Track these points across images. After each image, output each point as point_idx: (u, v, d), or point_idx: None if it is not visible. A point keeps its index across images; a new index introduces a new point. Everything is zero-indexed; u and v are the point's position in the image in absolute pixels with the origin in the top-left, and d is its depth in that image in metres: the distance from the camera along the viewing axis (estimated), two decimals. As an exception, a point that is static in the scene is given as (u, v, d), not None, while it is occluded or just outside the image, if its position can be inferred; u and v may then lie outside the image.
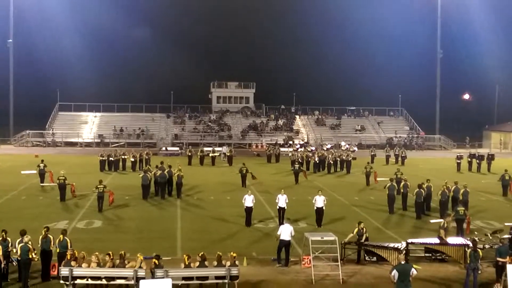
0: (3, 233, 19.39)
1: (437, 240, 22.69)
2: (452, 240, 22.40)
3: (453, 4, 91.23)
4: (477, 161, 54.44)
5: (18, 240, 19.07)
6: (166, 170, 37.65)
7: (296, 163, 46.86)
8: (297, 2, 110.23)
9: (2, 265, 18.70)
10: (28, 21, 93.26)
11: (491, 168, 52.79)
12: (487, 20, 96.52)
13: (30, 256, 18.77)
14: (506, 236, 22.50)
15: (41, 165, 41.66)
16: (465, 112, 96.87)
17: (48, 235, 19.82)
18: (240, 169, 42.48)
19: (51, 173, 40.77)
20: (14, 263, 19.37)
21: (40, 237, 19.76)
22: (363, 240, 22.06)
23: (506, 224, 25.16)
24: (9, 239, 19.39)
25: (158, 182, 36.54)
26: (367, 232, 22.39)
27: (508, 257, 19.22)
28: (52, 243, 19.67)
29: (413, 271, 16.61)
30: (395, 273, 16.49)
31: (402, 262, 16.91)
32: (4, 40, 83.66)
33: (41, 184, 40.45)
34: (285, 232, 21.64)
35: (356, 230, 22.19)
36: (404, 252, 21.06)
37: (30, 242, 18.97)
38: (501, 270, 19.10)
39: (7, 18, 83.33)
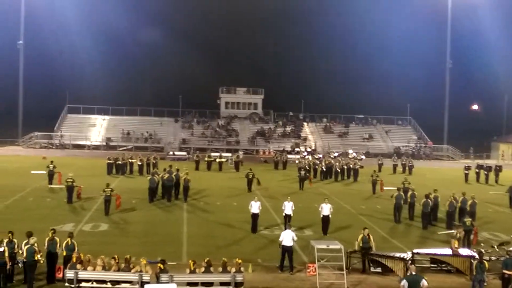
0: (10, 234, 19.43)
1: (443, 251, 22.66)
2: (463, 251, 22.35)
3: (463, 14, 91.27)
4: (485, 172, 54.21)
5: (24, 242, 19.12)
6: (174, 174, 37.97)
7: (302, 169, 46.89)
8: (308, 10, 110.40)
9: (8, 267, 18.73)
10: (39, 22, 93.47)
11: (499, 180, 52.60)
12: (497, 31, 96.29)
13: (36, 258, 18.80)
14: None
15: (51, 166, 42.37)
16: (473, 123, 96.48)
17: (55, 237, 19.86)
18: (247, 174, 43.00)
19: (60, 174, 41.20)
20: (20, 265, 19.40)
21: (47, 239, 19.80)
22: (369, 248, 22.01)
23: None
24: (15, 240, 19.42)
25: (165, 186, 36.86)
26: (373, 239, 22.30)
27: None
28: (58, 245, 19.71)
29: (424, 283, 16.45)
30: (404, 283, 16.39)
31: (413, 273, 16.82)
32: (15, 41, 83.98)
33: (49, 186, 40.65)
34: (287, 237, 21.72)
35: (361, 236, 22.16)
36: (410, 262, 21.02)
37: (36, 244, 19.01)
38: (507, 282, 19.05)
39: (17, 19, 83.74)
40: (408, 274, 17.09)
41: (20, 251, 19.19)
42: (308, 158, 62.06)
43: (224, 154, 62.57)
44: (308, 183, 45.27)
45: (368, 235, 22.16)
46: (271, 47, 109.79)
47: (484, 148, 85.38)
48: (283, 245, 21.65)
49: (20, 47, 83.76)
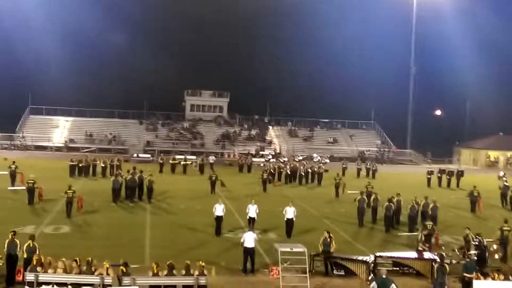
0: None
1: (405, 254, 22.98)
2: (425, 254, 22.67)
3: (427, 20, 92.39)
4: (447, 176, 55.01)
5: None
6: (138, 175, 38.15)
7: (265, 172, 47.43)
8: (274, 15, 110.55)
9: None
10: (1, 22, 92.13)
11: (460, 184, 53.39)
12: (460, 37, 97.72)
13: (-5, 260, 18.53)
14: (473, 251, 22.73)
15: (13, 166, 42.27)
16: (436, 128, 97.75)
17: (15, 239, 19.56)
18: (210, 176, 43.64)
19: (22, 174, 40.68)
20: (-22, 268, 19.09)
21: (6, 241, 19.50)
22: (331, 251, 22.20)
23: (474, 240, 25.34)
24: (-26, 242, 19.14)
25: (128, 187, 37.16)
26: (334, 242, 22.45)
27: (474, 273, 19.46)
28: (18, 247, 19.41)
29: (393, 286, 16.68)
30: (374, 285, 16.61)
31: (384, 276, 17.01)
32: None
33: (9, 188, 40.06)
34: (249, 239, 21.81)
35: (322, 239, 22.35)
36: (373, 265, 21.23)
37: (-5, 246, 18.73)
38: (467, 285, 19.31)
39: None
40: (377, 277, 17.26)
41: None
42: (273, 161, 62.27)
43: (189, 157, 62.35)
44: (273, 184, 46.10)
45: (329, 238, 22.34)
46: (237, 51, 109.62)
47: (446, 153, 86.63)
48: (245, 247, 21.75)
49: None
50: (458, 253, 23.44)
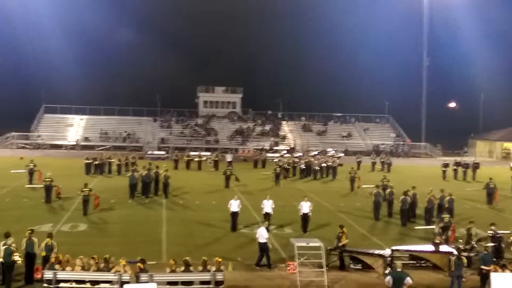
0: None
1: (421, 247, 22.89)
2: (442, 247, 22.56)
3: (440, 12, 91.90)
4: (463, 169, 54.71)
5: (2, 243, 18.93)
6: (154, 171, 39.03)
7: (277, 166, 48.22)
8: (286, 10, 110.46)
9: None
10: (14, 22, 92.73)
11: (476, 176, 53.09)
12: (474, 29, 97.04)
13: (13, 259, 18.63)
14: (490, 244, 22.61)
15: (31, 164, 42.98)
16: (451, 120, 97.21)
17: (32, 237, 19.66)
18: (225, 171, 44.49)
19: (40, 172, 41.28)
20: (-3, 266, 19.22)
21: (25, 239, 19.62)
22: (340, 245, 22.18)
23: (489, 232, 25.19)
24: (-7, 241, 19.28)
25: (144, 182, 37.79)
26: (345, 236, 22.41)
27: (492, 265, 19.36)
28: (36, 245, 19.52)
29: (408, 280, 16.64)
30: (389, 279, 16.63)
31: (398, 270, 16.99)
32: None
33: (27, 186, 40.47)
34: (260, 234, 21.85)
35: (337, 233, 22.41)
36: (390, 259, 21.17)
37: (13, 245, 18.82)
38: (485, 278, 19.21)
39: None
40: (393, 270, 17.20)
41: (-2, 252, 19.00)
42: (287, 156, 62.21)
43: (203, 153, 62.41)
44: (285, 178, 47.12)
45: (342, 232, 22.33)
46: (249, 46, 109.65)
47: (461, 145, 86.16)
48: (258, 242, 21.85)
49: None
50: (475, 245, 23.26)
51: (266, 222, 24.73)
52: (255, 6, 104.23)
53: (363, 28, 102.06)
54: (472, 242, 23.27)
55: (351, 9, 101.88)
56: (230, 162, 56.65)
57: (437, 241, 22.97)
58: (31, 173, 42.32)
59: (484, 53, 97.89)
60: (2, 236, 19.18)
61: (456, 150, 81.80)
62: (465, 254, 21.18)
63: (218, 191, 41.19)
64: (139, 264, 18.43)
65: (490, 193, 38.68)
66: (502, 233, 23.68)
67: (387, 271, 20.51)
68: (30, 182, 41.82)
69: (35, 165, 43.11)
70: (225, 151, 64.28)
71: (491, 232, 23.68)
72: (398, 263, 17.92)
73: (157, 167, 40.64)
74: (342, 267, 22.02)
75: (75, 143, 78.61)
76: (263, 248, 21.83)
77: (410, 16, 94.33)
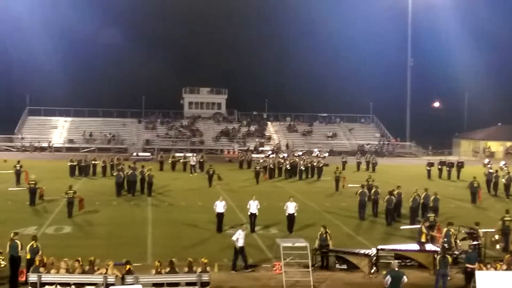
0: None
1: (407, 247, 23.03)
2: (428, 246, 22.71)
3: (424, 14, 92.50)
4: (447, 168, 55.01)
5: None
6: (139, 170, 40.33)
7: (258, 165, 49.37)
8: (270, 11, 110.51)
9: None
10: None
11: (461, 176, 53.38)
12: (457, 30, 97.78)
13: (-2, 262, 18.54)
14: (475, 242, 22.76)
15: (18, 165, 43.37)
16: (435, 120, 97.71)
17: (15, 240, 19.53)
18: (207, 170, 45.26)
19: (27, 173, 41.13)
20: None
21: (8, 242, 19.49)
22: (327, 245, 22.23)
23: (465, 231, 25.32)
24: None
25: (129, 181, 39.35)
26: (330, 237, 22.44)
27: (476, 264, 19.50)
28: (20, 248, 19.39)
29: (405, 278, 17.17)
30: (388, 278, 16.93)
31: (396, 269, 17.22)
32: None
33: (10, 189, 40.25)
34: (241, 238, 21.85)
35: (319, 234, 22.40)
36: (375, 259, 21.27)
37: (-3, 248, 18.74)
38: (470, 276, 19.33)
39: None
40: (391, 270, 17.38)
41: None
42: (272, 157, 62.25)
43: (188, 155, 62.20)
44: (262, 176, 48.46)
45: (325, 233, 22.34)
46: (234, 47, 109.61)
47: (445, 145, 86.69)
48: (237, 246, 21.79)
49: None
50: (460, 244, 23.39)
51: (245, 226, 24.85)
52: (240, 7, 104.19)
53: (347, 30, 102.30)
54: (458, 242, 23.43)
55: (335, 11, 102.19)
56: (193, 166, 54.35)
57: (426, 240, 23.15)
58: (18, 174, 42.76)
59: (467, 53, 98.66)
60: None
61: (442, 149, 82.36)
62: (450, 252, 21.33)
63: (203, 192, 41.18)
64: (127, 265, 18.38)
65: (474, 192, 38.93)
66: (482, 231, 23.82)
67: (373, 270, 20.71)
68: (18, 182, 42.21)
69: (21, 166, 43.47)
70: (189, 155, 60.01)
71: (467, 230, 23.93)
72: (395, 262, 18.23)
73: (143, 166, 41.84)
74: (326, 266, 22.08)
75: (64, 145, 78.31)
76: (240, 251, 21.78)
77: (394, 17, 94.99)
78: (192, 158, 55.95)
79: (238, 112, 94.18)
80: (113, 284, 17.67)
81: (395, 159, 77.50)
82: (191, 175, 49.48)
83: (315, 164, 53.29)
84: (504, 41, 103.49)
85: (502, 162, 59.16)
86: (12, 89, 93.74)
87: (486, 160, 60.50)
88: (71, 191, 31.40)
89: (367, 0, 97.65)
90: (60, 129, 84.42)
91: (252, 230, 27.85)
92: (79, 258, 18.74)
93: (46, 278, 18.03)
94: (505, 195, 42.09)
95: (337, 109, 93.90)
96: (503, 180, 43.09)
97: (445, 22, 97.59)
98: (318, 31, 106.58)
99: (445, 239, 22.84)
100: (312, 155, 69.39)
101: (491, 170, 46.57)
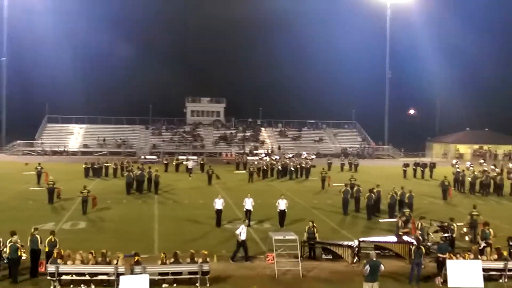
0: (-5, 234, 19.14)
1: (385, 239, 23.09)
2: (404, 238, 22.76)
3: (401, 31, 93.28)
4: (421, 168, 55.13)
5: (8, 240, 18.79)
6: (147, 171, 40.93)
7: (251, 166, 50.15)
8: (265, 31, 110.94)
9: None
10: (20, 40, 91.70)
11: (433, 175, 53.49)
12: (430, 45, 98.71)
13: (19, 254, 18.52)
14: (446, 234, 22.80)
15: (39, 167, 44.18)
16: (411, 126, 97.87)
17: (35, 235, 19.54)
18: (207, 171, 45.95)
19: (47, 174, 41.64)
20: (5, 261, 19.04)
21: (29, 237, 19.51)
22: (314, 238, 22.23)
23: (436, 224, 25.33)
24: (0, 239, 19.12)
25: (138, 180, 39.80)
26: (317, 231, 22.42)
27: (447, 253, 19.55)
28: (39, 242, 19.40)
29: (382, 267, 17.18)
30: (367, 267, 16.89)
31: (374, 259, 17.24)
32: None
33: (30, 188, 40.22)
34: (244, 232, 21.81)
35: (307, 228, 22.42)
36: (357, 249, 21.30)
37: (18, 241, 18.71)
38: (441, 265, 19.39)
39: (0, 36, 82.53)
40: (370, 259, 17.38)
41: (5, 249, 18.84)
42: (266, 159, 62.25)
43: (190, 157, 62.18)
44: (255, 177, 48.87)
45: (313, 227, 22.36)
46: (232, 61, 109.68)
47: (419, 147, 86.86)
48: (239, 239, 21.70)
49: (3, 63, 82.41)
50: (432, 236, 23.45)
51: (246, 221, 24.84)
52: (236, 25, 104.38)
53: (333, 45, 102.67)
54: (431, 234, 23.49)
55: (322, 28, 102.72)
56: (190, 169, 51.95)
57: (401, 233, 23.23)
58: (39, 174, 43.20)
59: (439, 66, 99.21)
60: (9, 235, 19.00)
61: (416, 152, 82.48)
62: (423, 244, 21.39)
63: (204, 191, 41.16)
64: (136, 257, 18.41)
65: (445, 189, 39.03)
66: (453, 225, 23.84)
67: (355, 260, 20.76)
68: (38, 182, 42.53)
69: (42, 167, 43.98)
70: (188, 159, 59.06)
71: (439, 224, 24.04)
72: (373, 253, 18.17)
73: (150, 167, 42.37)
74: (313, 257, 22.10)
75: (79, 149, 78.25)
76: (242, 244, 21.76)
77: (374, 36, 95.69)
78: (189, 162, 54.88)
79: (235, 119, 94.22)
80: (123, 274, 17.66)
81: (374, 161, 77.58)
82: (189, 178, 48.86)
83: (303, 165, 53.35)
84: (471, 55, 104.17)
85: (468, 163, 59.46)
86: (33, 99, 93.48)
87: (454, 161, 60.97)
88: (85, 191, 31.45)
89: (352, 21, 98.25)
90: (76, 135, 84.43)
91: (248, 225, 27.81)
92: (93, 251, 18.76)
93: (63, 268, 18.05)
94: (469, 192, 42.34)
95: (323, 116, 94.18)
96: (469, 178, 43.38)
97: (419, 38, 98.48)
98: (306, 47, 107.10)
99: (420, 232, 22.93)
100: (301, 157, 69.37)
101: (458, 170, 46.79)
